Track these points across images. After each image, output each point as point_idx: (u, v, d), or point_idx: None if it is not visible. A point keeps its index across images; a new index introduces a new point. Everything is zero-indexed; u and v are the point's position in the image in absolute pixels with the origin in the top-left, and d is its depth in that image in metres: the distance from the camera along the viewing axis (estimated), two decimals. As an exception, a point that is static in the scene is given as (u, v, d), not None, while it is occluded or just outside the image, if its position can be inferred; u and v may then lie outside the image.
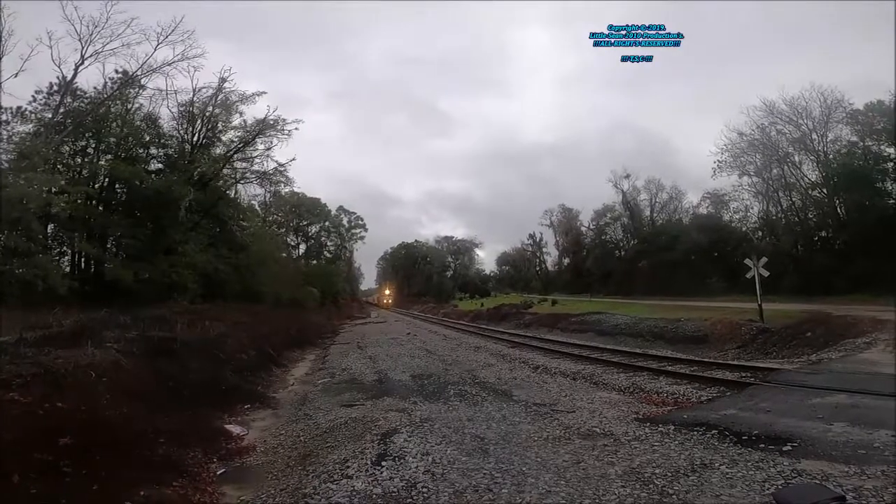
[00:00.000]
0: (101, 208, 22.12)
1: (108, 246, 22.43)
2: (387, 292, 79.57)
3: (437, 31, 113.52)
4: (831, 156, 31.00)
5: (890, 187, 28.31)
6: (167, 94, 24.18)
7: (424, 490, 4.55)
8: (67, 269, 20.59)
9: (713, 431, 5.85)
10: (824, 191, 31.61)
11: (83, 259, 21.73)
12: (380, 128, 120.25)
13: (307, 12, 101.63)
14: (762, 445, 5.24)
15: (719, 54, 77.89)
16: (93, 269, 21.51)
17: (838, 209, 30.70)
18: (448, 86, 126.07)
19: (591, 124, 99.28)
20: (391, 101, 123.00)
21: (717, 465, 4.78)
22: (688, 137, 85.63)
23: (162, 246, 21.79)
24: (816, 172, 32.17)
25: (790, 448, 5.08)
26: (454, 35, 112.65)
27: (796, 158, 33.13)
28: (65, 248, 21.39)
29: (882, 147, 28.85)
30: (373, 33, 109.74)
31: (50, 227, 19.90)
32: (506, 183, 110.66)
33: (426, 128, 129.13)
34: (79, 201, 20.23)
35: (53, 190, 17.89)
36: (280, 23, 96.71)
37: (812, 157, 32.13)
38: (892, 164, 28.27)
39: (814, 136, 31.66)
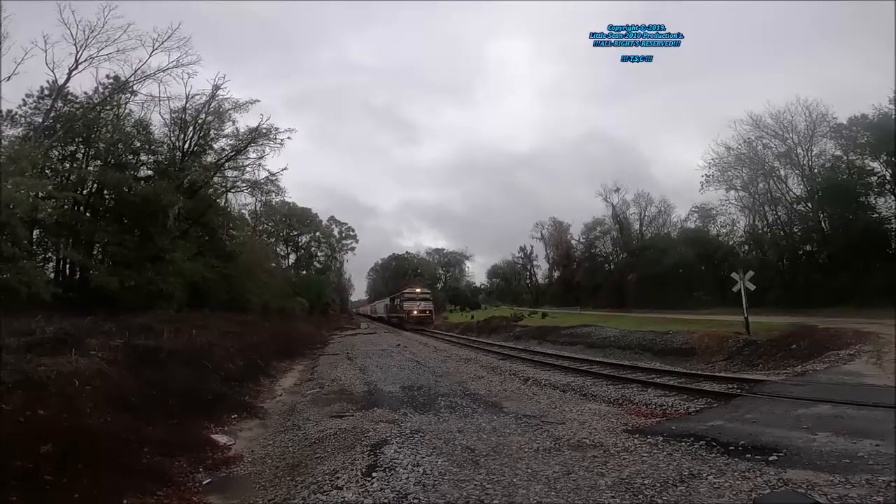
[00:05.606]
0: (88, 214, 21.89)
1: (95, 252, 22.13)
2: (418, 291, 43.24)
3: (407, 39, 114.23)
4: (816, 170, 31.63)
5: (873, 201, 28.87)
6: (160, 100, 24.13)
7: (415, 501, 4.51)
8: (52, 275, 20.25)
9: (701, 442, 5.89)
10: (809, 205, 32.18)
11: (68, 265, 21.41)
12: (350, 137, 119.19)
13: (279, 16, 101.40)
14: (749, 455, 5.29)
15: (694, 65, 79.65)
16: (78, 276, 21.22)
17: (823, 223, 31.26)
18: (419, 94, 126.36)
19: (566, 135, 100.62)
20: (359, 110, 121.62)
21: (704, 475, 4.81)
22: (661, 147, 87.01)
23: (149, 253, 21.54)
24: (801, 186, 32.83)
25: (776, 458, 5.13)
26: (425, 43, 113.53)
27: (782, 172, 33.86)
28: (50, 253, 21.09)
29: (866, 161, 29.46)
30: (343, 40, 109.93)
31: (36, 232, 19.63)
32: (482, 193, 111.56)
33: (396, 136, 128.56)
34: (66, 207, 19.94)
35: (41, 195, 17.65)
36: (251, 27, 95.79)
37: (797, 172, 32.81)
38: (875, 178, 28.86)
39: (799, 150, 32.33)
